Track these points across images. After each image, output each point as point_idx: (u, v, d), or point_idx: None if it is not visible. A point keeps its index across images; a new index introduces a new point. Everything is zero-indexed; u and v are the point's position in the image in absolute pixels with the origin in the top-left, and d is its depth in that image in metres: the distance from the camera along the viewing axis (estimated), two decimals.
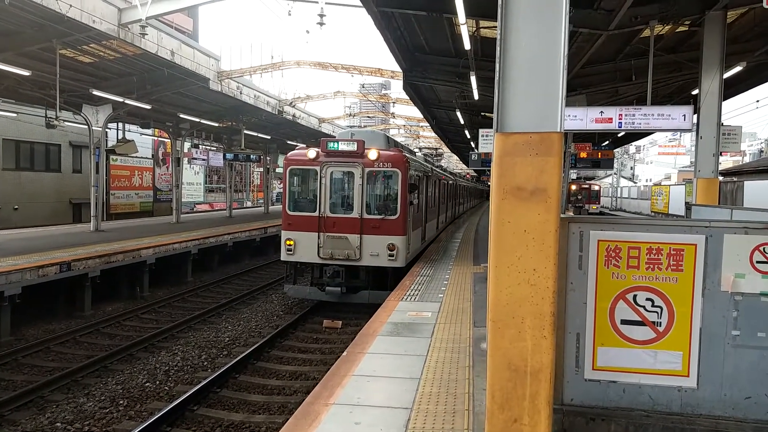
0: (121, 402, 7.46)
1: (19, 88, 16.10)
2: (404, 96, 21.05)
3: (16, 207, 23.45)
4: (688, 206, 10.77)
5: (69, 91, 16.61)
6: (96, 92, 16.27)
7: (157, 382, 8.18)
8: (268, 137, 29.75)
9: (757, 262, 3.39)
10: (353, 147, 11.39)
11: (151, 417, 6.62)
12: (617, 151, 42.64)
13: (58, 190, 25.93)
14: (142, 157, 30.76)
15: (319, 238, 11.51)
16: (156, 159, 33.25)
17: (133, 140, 23.39)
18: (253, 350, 9.27)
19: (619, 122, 9.75)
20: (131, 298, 13.86)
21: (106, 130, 21.07)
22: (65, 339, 10.36)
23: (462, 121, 21.58)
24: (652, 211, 37.77)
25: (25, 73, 13.43)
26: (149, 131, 28.22)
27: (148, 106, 18.17)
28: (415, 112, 27.52)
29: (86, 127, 18.68)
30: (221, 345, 10.04)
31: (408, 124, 38.46)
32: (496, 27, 3.13)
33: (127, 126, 27.66)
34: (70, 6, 11.34)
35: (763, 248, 3.38)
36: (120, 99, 16.89)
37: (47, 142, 24.99)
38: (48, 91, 15.80)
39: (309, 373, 8.55)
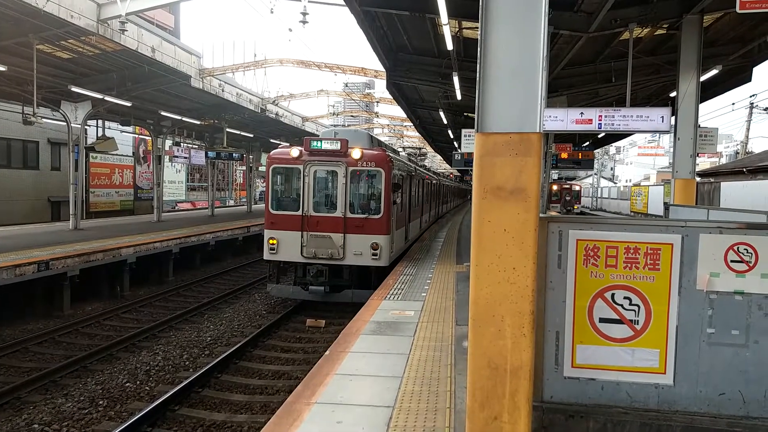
0: (100, 402, 7.36)
1: None
2: (388, 95, 21.09)
3: None
4: (667, 206, 10.95)
5: (47, 87, 16.32)
6: (75, 89, 16.00)
7: (138, 382, 8.09)
8: (251, 135, 29.54)
9: (732, 261, 3.46)
10: (337, 146, 11.38)
11: (131, 417, 6.55)
12: (597, 151, 43.19)
13: (37, 187, 25.44)
14: (122, 155, 30.30)
15: (302, 237, 11.47)
16: (137, 157, 32.80)
17: (113, 138, 23.01)
18: (236, 350, 9.21)
19: (599, 123, 9.80)
20: (111, 298, 13.67)
21: (86, 127, 20.78)
22: (43, 339, 10.19)
23: (445, 121, 21.68)
24: (631, 211, 38.34)
25: (1, 68, 13.15)
26: (130, 129, 27.79)
27: (128, 104, 17.93)
28: (398, 111, 27.59)
29: (65, 124, 18.38)
30: (203, 344, 9.97)
31: (392, 123, 38.50)
32: (478, 28, 3.15)
33: (107, 123, 27.19)
34: (47, 0, 11.14)
35: (737, 248, 3.45)
36: (99, 96, 16.65)
37: (25, 139, 24.49)
38: (25, 87, 15.50)
39: (292, 373, 8.53)
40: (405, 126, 37.67)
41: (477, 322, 3.19)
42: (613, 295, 3.56)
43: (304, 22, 12.20)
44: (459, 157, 19.69)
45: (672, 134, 10.95)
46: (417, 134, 35.13)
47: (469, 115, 19.81)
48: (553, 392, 3.64)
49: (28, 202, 24.94)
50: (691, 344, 3.52)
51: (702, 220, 4.59)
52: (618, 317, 3.57)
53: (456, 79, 13.38)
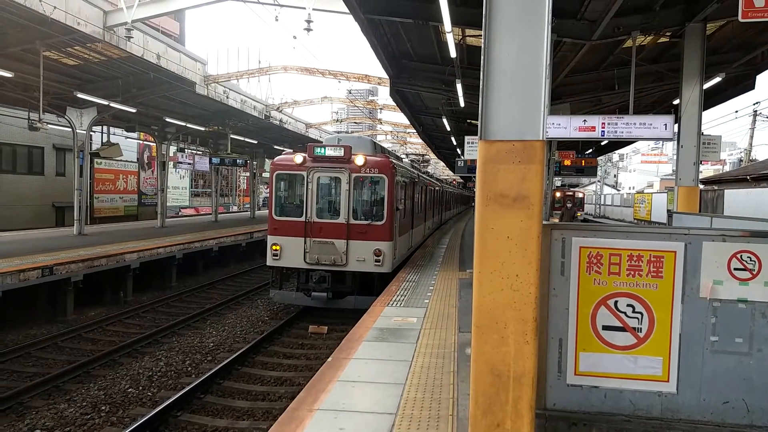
0: (103, 408, 7.36)
1: (1, 89, 15.89)
2: (391, 102, 21.14)
3: None
4: (670, 214, 10.93)
5: (53, 93, 16.42)
6: (80, 95, 16.12)
7: (140, 388, 8.09)
8: (255, 142, 29.65)
9: (735, 269, 3.45)
10: (340, 152, 11.42)
11: (133, 423, 6.56)
12: (601, 159, 43.18)
13: (41, 193, 25.56)
14: (126, 161, 30.46)
15: (305, 243, 11.49)
16: (141, 163, 32.95)
17: (117, 144, 23.14)
18: (238, 356, 9.21)
19: (602, 131, 9.87)
20: (115, 303, 13.69)
21: (91, 133, 20.88)
22: (46, 344, 10.20)
23: (448, 128, 21.72)
24: (634, 219, 38.27)
25: (8, 74, 13.25)
26: (134, 135, 27.95)
27: (133, 110, 18.02)
28: (402, 118, 27.63)
29: (70, 130, 18.49)
30: (205, 350, 9.97)
31: (395, 130, 38.55)
32: (481, 35, 3.17)
33: (111, 129, 27.42)
34: (54, 8, 11.24)
35: (740, 255, 3.44)
36: (105, 102, 16.75)
37: (30, 145, 24.64)
38: (31, 93, 15.61)
39: (294, 379, 8.52)
40: (408, 133, 37.71)
41: (480, 329, 3.19)
42: (616, 302, 3.55)
43: (308, 29, 12.25)
44: (462, 164, 19.72)
45: (675, 142, 10.96)
46: (420, 141, 35.19)
47: (472, 122, 19.84)
48: (556, 400, 3.63)
49: (33, 208, 25.05)
50: (695, 352, 3.51)
51: (705, 228, 4.59)
52: (621, 325, 3.56)
53: (459, 86, 13.42)
